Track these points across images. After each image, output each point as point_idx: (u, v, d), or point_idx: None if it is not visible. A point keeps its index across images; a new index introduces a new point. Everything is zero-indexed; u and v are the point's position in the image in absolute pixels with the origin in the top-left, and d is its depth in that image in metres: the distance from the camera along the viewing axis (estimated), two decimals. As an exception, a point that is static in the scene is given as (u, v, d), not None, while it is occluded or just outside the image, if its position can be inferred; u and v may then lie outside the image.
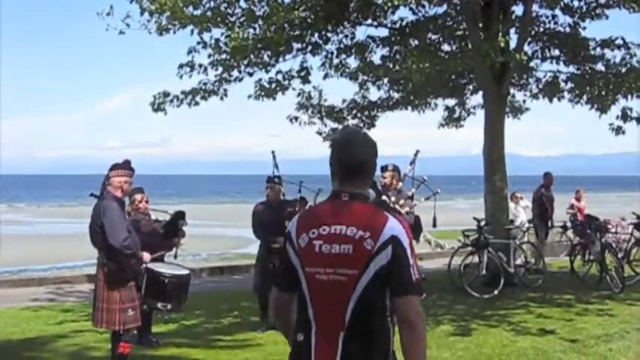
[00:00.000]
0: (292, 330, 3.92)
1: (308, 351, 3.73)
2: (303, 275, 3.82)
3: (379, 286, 3.67)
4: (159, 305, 8.64)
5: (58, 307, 14.02)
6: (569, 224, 19.57)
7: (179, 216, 10.28)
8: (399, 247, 3.69)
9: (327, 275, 3.72)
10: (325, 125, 19.27)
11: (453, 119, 20.44)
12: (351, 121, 19.28)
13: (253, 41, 14.69)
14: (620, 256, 15.98)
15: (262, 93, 16.44)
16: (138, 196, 10.16)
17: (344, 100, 19.08)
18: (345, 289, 3.67)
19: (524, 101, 19.64)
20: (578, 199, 22.19)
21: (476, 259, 15.19)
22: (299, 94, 18.12)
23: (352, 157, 3.86)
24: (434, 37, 17.14)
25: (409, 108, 19.75)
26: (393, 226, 3.73)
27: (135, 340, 9.45)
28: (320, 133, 19.30)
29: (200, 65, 15.77)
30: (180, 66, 15.80)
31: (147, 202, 10.37)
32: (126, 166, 8.33)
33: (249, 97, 16.66)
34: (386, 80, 18.35)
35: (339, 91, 19.82)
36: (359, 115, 19.30)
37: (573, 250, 17.45)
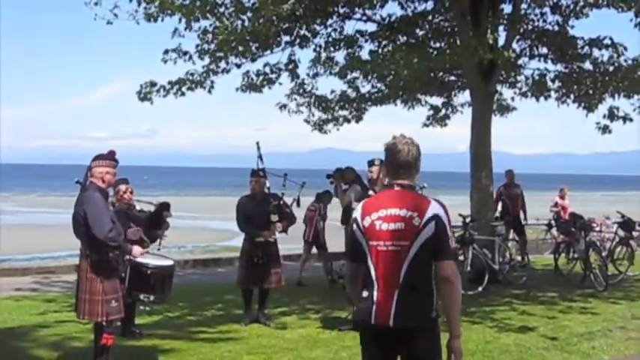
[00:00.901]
0: (354, 296, 5.26)
1: (371, 304, 4.94)
2: (367, 248, 4.99)
3: (425, 253, 4.84)
4: (142, 297, 8.58)
5: (40, 297, 13.95)
6: (553, 222, 19.64)
7: (164, 207, 10.23)
8: (440, 223, 4.86)
9: (387, 247, 4.90)
10: (313, 115, 19.32)
11: (437, 118, 20.48)
12: (340, 112, 19.32)
13: (241, 33, 14.65)
14: (604, 254, 16.03)
15: (249, 86, 16.43)
16: (122, 187, 10.11)
17: (332, 91, 19.10)
18: (400, 257, 4.85)
19: (512, 99, 19.67)
20: (562, 197, 22.23)
21: (461, 255, 15.20)
22: (292, 80, 18.19)
23: (399, 159, 5.08)
24: (422, 33, 17.15)
25: (397, 103, 19.78)
26: (435, 207, 4.93)
27: (118, 332, 9.42)
28: (308, 121, 19.36)
29: (186, 53, 15.73)
30: (166, 51, 15.76)
31: (131, 192, 10.32)
32: (109, 156, 8.25)
33: (237, 89, 16.65)
34: (374, 76, 18.36)
35: (328, 84, 19.92)
36: (347, 106, 19.32)
37: (558, 248, 17.54)
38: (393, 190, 5.09)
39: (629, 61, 16.61)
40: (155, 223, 10.22)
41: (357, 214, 5.11)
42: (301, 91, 18.72)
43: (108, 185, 8.26)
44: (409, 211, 4.90)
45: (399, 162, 5.09)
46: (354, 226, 5.07)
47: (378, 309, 4.91)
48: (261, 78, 16.51)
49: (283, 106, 19.02)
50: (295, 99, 18.93)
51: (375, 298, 4.93)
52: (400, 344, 4.99)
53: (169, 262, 8.94)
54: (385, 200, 5.07)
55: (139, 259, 8.49)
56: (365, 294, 5.01)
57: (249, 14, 14.58)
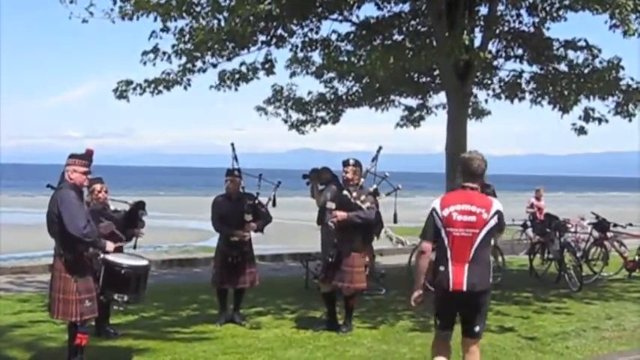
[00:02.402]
0: (424, 270, 7.07)
1: (447, 275, 6.83)
2: (445, 233, 6.89)
3: (488, 238, 6.90)
4: (116, 296, 8.51)
5: (15, 297, 13.87)
6: (528, 223, 19.73)
7: (139, 206, 10.21)
8: (501, 216, 6.94)
9: (460, 233, 6.83)
10: (290, 117, 19.37)
11: (411, 119, 20.56)
12: (317, 114, 19.35)
13: (218, 33, 14.63)
14: (578, 255, 16.14)
15: (223, 84, 16.43)
16: (97, 186, 10.06)
17: (309, 92, 19.15)
18: (471, 241, 6.81)
19: (486, 101, 19.70)
20: (537, 198, 22.36)
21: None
22: (273, 89, 18.37)
23: (473, 169, 7.06)
24: (398, 33, 17.18)
25: (373, 107, 19.86)
26: (497, 205, 6.98)
27: (92, 331, 9.38)
28: (285, 121, 19.41)
29: (164, 53, 15.69)
30: (144, 53, 15.71)
31: (106, 192, 10.28)
32: (82, 156, 8.20)
33: (211, 87, 16.65)
34: (350, 77, 18.39)
35: (305, 84, 19.97)
36: (324, 107, 19.36)
37: (533, 248, 17.65)
38: (466, 191, 7.03)
39: (604, 63, 16.73)
40: (130, 222, 10.19)
41: (436, 205, 7.03)
42: (279, 98, 18.85)
43: (79, 184, 8.18)
44: (479, 207, 6.87)
45: (472, 171, 7.06)
46: (434, 214, 6.98)
47: (454, 279, 6.81)
48: (237, 76, 16.49)
49: (261, 110, 19.11)
50: (273, 103, 19.03)
51: (450, 271, 6.82)
52: (466, 303, 6.99)
53: (144, 262, 8.89)
54: (460, 198, 6.99)
55: (113, 259, 8.44)
56: (442, 268, 6.89)
57: (225, 14, 14.54)
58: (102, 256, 8.30)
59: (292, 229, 27.60)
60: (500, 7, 16.94)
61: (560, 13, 17.13)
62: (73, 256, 7.95)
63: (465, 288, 6.81)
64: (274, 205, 11.70)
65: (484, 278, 6.91)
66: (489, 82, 18.81)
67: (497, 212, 6.88)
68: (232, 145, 11.65)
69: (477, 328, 7.17)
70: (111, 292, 8.46)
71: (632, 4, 12.84)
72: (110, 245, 8.46)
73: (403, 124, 20.78)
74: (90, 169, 8.26)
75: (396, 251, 21.61)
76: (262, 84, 17.38)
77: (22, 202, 48.70)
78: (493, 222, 6.85)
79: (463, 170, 7.13)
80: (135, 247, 10.33)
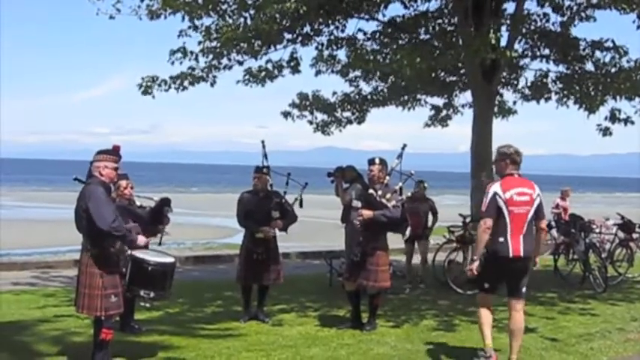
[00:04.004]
0: (484, 242, 8.61)
1: (507, 244, 8.52)
2: (507, 211, 8.52)
3: (535, 214, 8.69)
4: (142, 292, 8.55)
5: (40, 291, 13.98)
6: (553, 223, 19.63)
7: (164, 203, 10.24)
8: (541, 196, 8.79)
9: (518, 210, 8.55)
10: (316, 118, 19.38)
11: (439, 119, 20.51)
12: (343, 114, 19.34)
13: (244, 31, 14.66)
14: (603, 256, 16.05)
15: (251, 79, 16.47)
16: (123, 182, 10.11)
17: (334, 93, 19.14)
18: (525, 217, 8.59)
19: (514, 102, 19.64)
20: (563, 199, 22.23)
21: (460, 255, 15.22)
22: (298, 96, 18.74)
23: (518, 159, 8.78)
24: (425, 32, 17.16)
25: (399, 106, 19.84)
26: (537, 187, 8.83)
27: (117, 327, 9.43)
28: (311, 122, 19.41)
29: (192, 52, 15.75)
30: (172, 52, 15.77)
31: (132, 188, 10.33)
32: (110, 151, 8.27)
33: (238, 82, 16.70)
34: (376, 76, 18.38)
35: (330, 84, 19.95)
36: (349, 108, 19.35)
37: (557, 249, 17.54)
38: (515, 177, 8.71)
39: (631, 63, 16.62)
40: (156, 218, 10.23)
41: (497, 190, 8.58)
42: (305, 104, 18.88)
43: (109, 180, 8.26)
44: (529, 189, 8.69)
45: (518, 161, 8.79)
46: (497, 196, 8.54)
47: (514, 247, 8.54)
48: (263, 74, 16.53)
49: (287, 114, 19.14)
50: (298, 107, 19.06)
51: (510, 241, 8.52)
52: (519, 267, 8.75)
53: (170, 259, 8.93)
54: (516, 182, 8.67)
55: (141, 255, 8.49)
56: (501, 239, 8.52)
57: (251, 12, 14.58)
58: (129, 252, 8.34)
59: (316, 227, 27.64)
60: (527, 6, 16.87)
61: (588, 12, 17.03)
62: (100, 251, 8.00)
63: (522, 254, 8.60)
64: (301, 206, 11.68)
65: (532, 246, 8.74)
66: (515, 82, 18.73)
67: (539, 194, 8.79)
68: (263, 142, 11.65)
69: (524, 289, 8.98)
70: (137, 288, 8.50)
71: (660, 4, 12.75)
72: (142, 239, 8.52)
73: (431, 123, 20.74)
74: (119, 164, 8.33)
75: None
76: (287, 81, 17.39)
77: (47, 197, 49.03)
78: (538, 201, 8.72)
79: (512, 161, 8.75)
80: (160, 243, 10.37)
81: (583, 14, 17.03)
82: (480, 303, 9.26)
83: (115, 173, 8.33)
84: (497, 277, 8.87)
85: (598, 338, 10.61)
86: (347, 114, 19.36)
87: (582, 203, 42.21)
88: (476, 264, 8.71)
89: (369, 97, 19.22)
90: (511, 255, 8.53)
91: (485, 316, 9.20)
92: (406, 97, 19.57)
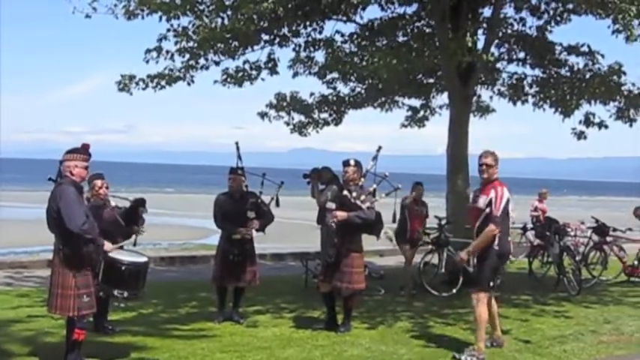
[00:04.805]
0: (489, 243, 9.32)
1: (510, 244, 9.57)
2: (510, 214, 9.53)
3: None
4: (115, 292, 8.53)
5: (14, 291, 13.89)
6: (529, 226, 19.71)
7: (139, 203, 10.19)
8: None
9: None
10: (292, 119, 19.34)
11: (416, 119, 20.54)
12: (320, 115, 19.32)
13: (221, 31, 14.63)
14: (577, 259, 16.12)
15: (229, 80, 16.44)
16: (98, 182, 10.06)
17: (312, 94, 19.12)
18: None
19: (490, 98, 19.75)
20: (541, 201, 22.31)
21: (436, 257, 15.26)
22: (276, 97, 18.70)
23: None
24: (402, 35, 17.18)
25: (376, 107, 19.85)
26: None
27: (90, 327, 9.38)
28: (288, 124, 19.38)
29: (167, 52, 15.70)
30: (148, 51, 15.72)
31: (107, 188, 10.28)
32: (80, 150, 8.22)
33: (215, 82, 16.65)
34: (354, 78, 18.38)
35: (307, 85, 19.93)
36: (326, 109, 19.33)
37: (532, 251, 17.63)
38: None
39: (606, 68, 16.76)
40: (131, 219, 10.18)
41: (508, 194, 9.33)
42: (282, 104, 18.85)
43: (80, 179, 8.21)
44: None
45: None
46: (508, 201, 9.33)
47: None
48: (240, 74, 16.50)
49: (264, 115, 19.09)
50: (275, 107, 19.02)
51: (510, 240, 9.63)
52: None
53: (144, 259, 8.90)
54: None
55: (114, 255, 8.45)
56: (509, 239, 9.59)
57: (229, 12, 14.55)
58: (102, 251, 8.30)
59: (292, 228, 27.61)
60: (504, 10, 16.95)
61: (564, 16, 17.14)
62: (72, 251, 7.96)
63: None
64: (278, 204, 11.68)
65: None
66: (493, 82, 18.79)
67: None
68: (237, 143, 11.64)
69: None
70: (110, 288, 8.47)
71: (636, 10, 12.85)
72: (109, 245, 8.47)
73: (408, 124, 20.76)
74: (89, 163, 8.28)
75: (396, 252, 21.57)
76: (265, 82, 17.36)
77: (22, 196, 48.68)
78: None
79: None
80: (135, 244, 10.33)
81: (559, 17, 17.14)
82: (482, 302, 9.48)
83: (85, 172, 8.28)
84: (498, 274, 9.78)
85: (571, 340, 10.66)
86: (324, 115, 19.34)
87: (559, 206, 42.42)
88: (464, 255, 9.58)
89: (346, 98, 19.21)
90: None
91: (486, 315, 9.54)
92: (383, 99, 19.60)
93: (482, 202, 9.42)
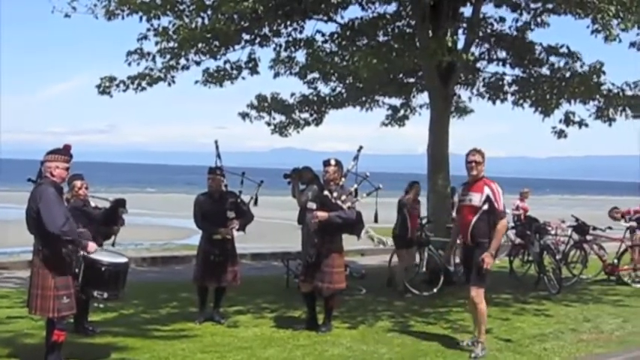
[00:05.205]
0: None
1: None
2: None
3: None
4: (95, 293, 8.50)
5: (-7, 293, 13.80)
6: (510, 224, 19.76)
7: (119, 204, 10.16)
8: None
9: None
10: (273, 119, 19.32)
11: (396, 118, 20.57)
12: (300, 115, 19.31)
13: (202, 31, 14.60)
14: (558, 257, 16.17)
15: (210, 79, 16.41)
16: (78, 183, 10.03)
17: (292, 94, 19.10)
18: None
19: (469, 99, 19.80)
20: (522, 200, 22.37)
21: (417, 256, 15.28)
22: (257, 98, 18.67)
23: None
24: (383, 35, 17.20)
25: (357, 106, 19.86)
26: None
27: (71, 329, 9.35)
28: (269, 124, 19.34)
29: (149, 53, 15.65)
30: (129, 53, 15.67)
31: (87, 188, 10.24)
32: (61, 151, 8.19)
33: (196, 82, 16.62)
34: (334, 77, 18.38)
35: (288, 85, 19.90)
36: (307, 109, 19.32)
37: (513, 250, 17.68)
38: None
39: (586, 67, 16.85)
40: (110, 219, 10.15)
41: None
42: (263, 105, 18.82)
43: (61, 180, 8.18)
44: None
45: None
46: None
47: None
48: (221, 74, 16.47)
49: (245, 115, 19.05)
50: (256, 108, 18.98)
51: None
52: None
53: (124, 259, 8.87)
54: None
55: (94, 256, 8.42)
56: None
57: (209, 12, 14.53)
58: (82, 252, 8.27)
59: (274, 228, 27.59)
60: (484, 10, 17.02)
61: (544, 18, 17.22)
62: (52, 252, 7.93)
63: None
64: (256, 204, 11.70)
65: None
66: (472, 82, 18.86)
67: None
68: (216, 142, 11.65)
69: None
70: (91, 288, 8.44)
71: (614, 10, 12.91)
72: (92, 246, 8.43)
73: (388, 122, 20.79)
74: (70, 164, 8.25)
75: (377, 251, 21.65)
76: (246, 82, 17.33)
77: (2, 197, 48.40)
78: None
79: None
80: (114, 244, 10.30)
81: (539, 19, 17.21)
82: (482, 298, 9.68)
83: (66, 173, 8.25)
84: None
85: (551, 339, 10.71)
86: (305, 115, 19.34)
87: (540, 205, 42.57)
88: (489, 258, 9.40)
89: (327, 98, 19.21)
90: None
91: (486, 309, 9.79)
92: (364, 99, 19.61)
93: (477, 199, 9.52)
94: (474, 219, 9.54)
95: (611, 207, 17.96)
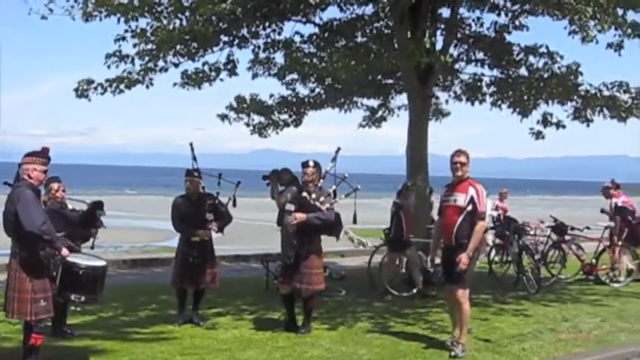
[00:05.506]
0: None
1: None
2: None
3: None
4: (73, 297, 8.46)
5: (-30, 296, 13.69)
6: (489, 225, 19.81)
7: (97, 206, 10.13)
8: None
9: None
10: (252, 120, 19.27)
11: (373, 120, 20.59)
12: (280, 117, 19.28)
13: (179, 32, 14.55)
14: (537, 257, 16.24)
15: (188, 82, 16.36)
16: (55, 185, 9.99)
17: (271, 95, 19.08)
18: None
19: (446, 102, 19.84)
20: (501, 200, 22.45)
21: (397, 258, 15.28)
22: (236, 100, 18.62)
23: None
24: (361, 36, 17.21)
25: (335, 107, 19.86)
26: None
27: (49, 332, 9.31)
28: (248, 125, 19.30)
29: (127, 56, 15.57)
30: (108, 56, 15.57)
31: (64, 190, 10.20)
32: (39, 153, 8.16)
33: (175, 85, 16.55)
34: (313, 79, 18.38)
35: (267, 87, 19.87)
36: (286, 110, 19.31)
37: (492, 250, 17.75)
38: None
39: (564, 69, 16.93)
40: (88, 221, 10.11)
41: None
42: (242, 107, 18.77)
43: (38, 182, 8.15)
44: None
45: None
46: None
47: None
48: (200, 76, 16.42)
49: (224, 117, 19.00)
50: (235, 109, 18.93)
51: None
52: None
53: (102, 263, 8.84)
54: None
55: (71, 259, 8.38)
56: None
57: (187, 13, 14.48)
58: (59, 255, 8.23)
59: (253, 229, 27.55)
60: (462, 11, 17.06)
61: (522, 20, 17.27)
62: (29, 255, 7.90)
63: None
64: (234, 205, 11.69)
65: None
66: (450, 83, 18.92)
67: None
68: (191, 145, 11.63)
69: None
70: (68, 292, 8.40)
71: (592, 11, 12.99)
72: (65, 251, 8.39)
73: (365, 124, 20.80)
74: (48, 167, 8.22)
75: (357, 253, 21.66)
76: (225, 83, 17.28)
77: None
78: None
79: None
80: (93, 247, 10.26)
81: (517, 21, 17.27)
82: (467, 298, 9.81)
83: (44, 176, 8.23)
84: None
85: (530, 339, 10.75)
86: (284, 116, 19.29)
87: (520, 205, 42.71)
88: (466, 258, 9.44)
89: (306, 99, 19.19)
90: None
91: (469, 310, 9.97)
92: (343, 100, 19.61)
93: (461, 199, 9.62)
94: (459, 219, 9.61)
95: (603, 186, 17.94)
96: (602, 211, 17.89)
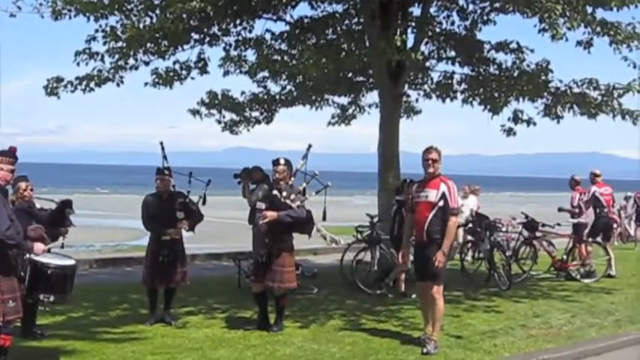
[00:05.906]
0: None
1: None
2: None
3: None
4: (41, 297, 8.39)
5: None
6: (461, 222, 19.88)
7: (66, 205, 10.05)
8: None
9: None
10: (224, 117, 19.22)
11: (342, 117, 20.60)
12: (251, 114, 19.24)
13: (150, 30, 14.48)
14: (508, 254, 16.34)
15: (159, 81, 16.28)
16: (22, 184, 9.90)
17: (243, 92, 19.04)
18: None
19: (417, 100, 19.90)
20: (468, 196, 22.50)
21: (368, 255, 15.31)
22: (208, 95, 18.52)
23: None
24: (332, 33, 17.21)
25: (307, 105, 19.84)
26: None
27: (18, 332, 9.23)
28: (219, 122, 19.24)
29: (97, 53, 15.47)
30: (77, 53, 15.47)
31: (32, 190, 10.11)
32: (7, 153, 8.07)
33: (146, 84, 16.46)
34: (284, 76, 18.36)
35: (239, 84, 19.80)
36: (257, 107, 19.27)
37: (464, 247, 17.83)
38: None
39: (533, 66, 17.03)
40: (57, 220, 10.03)
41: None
42: (213, 102, 18.71)
43: (5, 182, 8.06)
44: None
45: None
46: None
47: None
48: (171, 75, 16.34)
49: (195, 112, 18.92)
50: (206, 105, 18.85)
51: None
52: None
53: (71, 262, 8.78)
54: None
55: (40, 259, 8.32)
56: None
57: (157, 11, 14.41)
58: (28, 255, 8.16)
59: (225, 228, 27.48)
60: (433, 9, 17.10)
61: (491, 16, 17.37)
62: (-4, 255, 7.80)
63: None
64: (204, 203, 11.67)
65: None
66: (421, 81, 18.97)
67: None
68: (161, 143, 11.59)
69: None
70: (37, 292, 8.33)
71: (561, 9, 13.06)
72: (39, 247, 8.30)
73: (335, 121, 20.80)
74: (15, 166, 8.13)
75: (330, 250, 21.68)
76: (197, 81, 17.21)
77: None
78: None
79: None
80: (62, 246, 10.18)
81: (486, 17, 17.36)
82: (442, 295, 9.92)
83: (11, 175, 8.12)
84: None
85: (501, 335, 10.81)
86: (255, 114, 19.26)
87: (491, 202, 42.94)
88: (441, 256, 9.54)
89: (277, 97, 19.18)
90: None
91: (443, 307, 10.04)
92: (314, 97, 19.60)
93: (433, 195, 9.72)
94: (430, 215, 9.67)
95: (570, 177, 18.11)
96: (560, 209, 18.10)
